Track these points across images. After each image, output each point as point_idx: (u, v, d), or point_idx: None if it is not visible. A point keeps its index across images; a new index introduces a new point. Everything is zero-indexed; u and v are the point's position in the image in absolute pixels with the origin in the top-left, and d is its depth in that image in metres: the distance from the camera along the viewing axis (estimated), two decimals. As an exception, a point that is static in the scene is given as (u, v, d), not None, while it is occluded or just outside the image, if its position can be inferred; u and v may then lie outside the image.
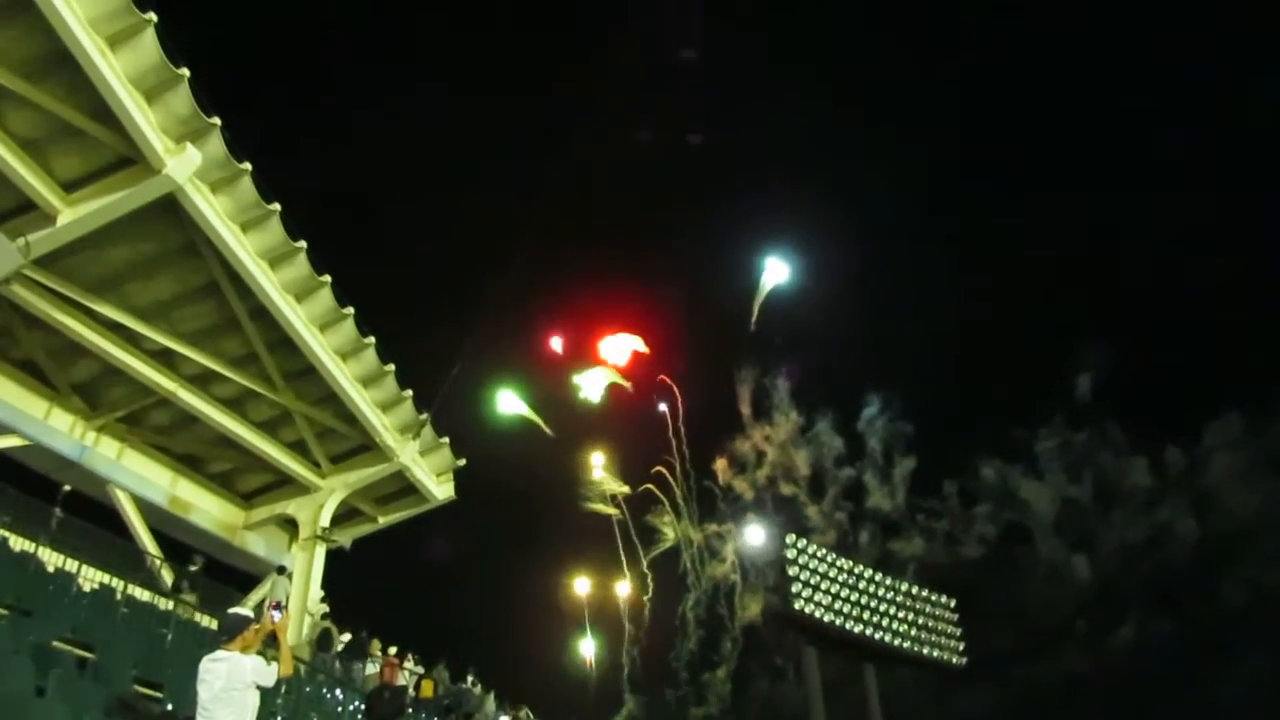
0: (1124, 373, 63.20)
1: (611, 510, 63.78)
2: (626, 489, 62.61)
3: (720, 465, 68.57)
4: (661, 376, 66.70)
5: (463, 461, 23.63)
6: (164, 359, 19.26)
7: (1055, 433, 65.25)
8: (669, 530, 62.27)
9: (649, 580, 60.92)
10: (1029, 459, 66.05)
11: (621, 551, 63.60)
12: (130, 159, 15.01)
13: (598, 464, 62.65)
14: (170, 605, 14.69)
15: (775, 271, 55.18)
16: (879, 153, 73.77)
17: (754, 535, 56.32)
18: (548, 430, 61.64)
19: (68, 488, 18.79)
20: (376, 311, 20.81)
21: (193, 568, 18.56)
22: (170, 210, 16.09)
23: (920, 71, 72.11)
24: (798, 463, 68.40)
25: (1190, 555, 60.39)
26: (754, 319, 65.35)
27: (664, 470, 65.75)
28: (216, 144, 15.63)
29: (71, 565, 14.85)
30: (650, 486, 65.44)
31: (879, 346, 70.08)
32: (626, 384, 64.18)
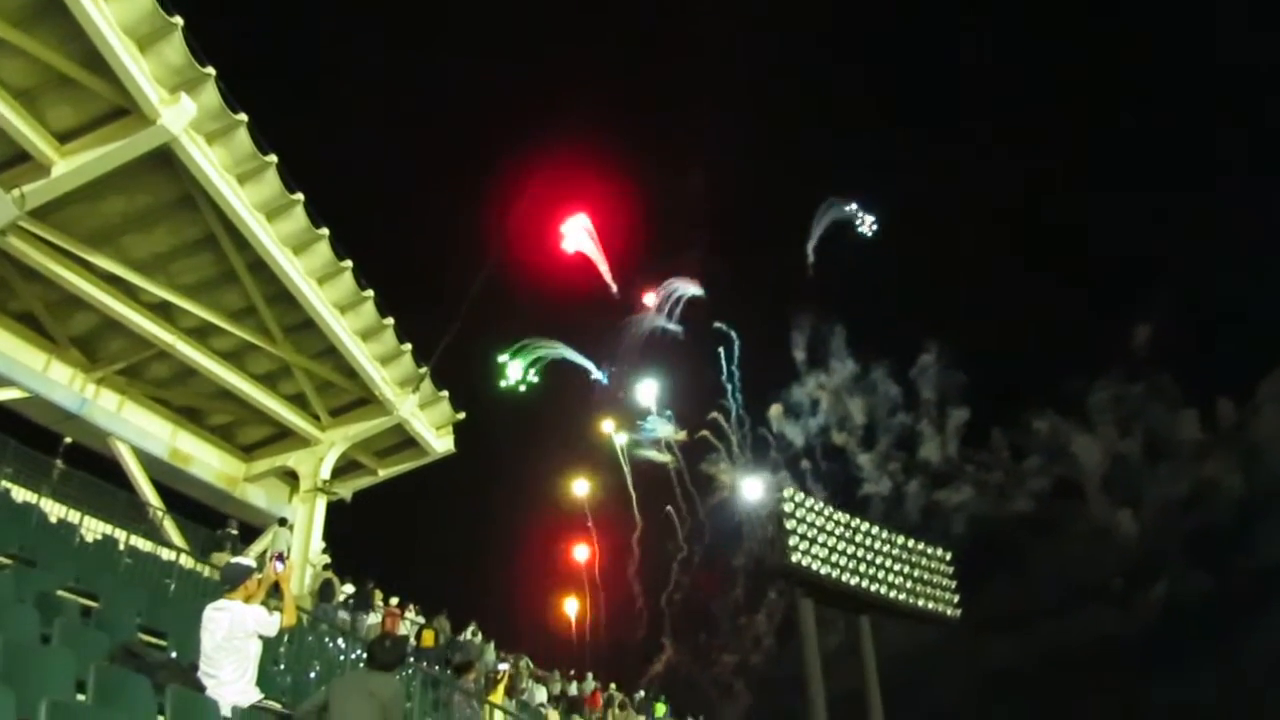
0: (1183, 324, 62.79)
1: (665, 457, 63.96)
2: (683, 435, 62.50)
3: (774, 412, 68.64)
4: (717, 323, 66.39)
5: (462, 415, 23.72)
6: (162, 312, 19.23)
7: (1111, 384, 64.70)
8: (725, 477, 62.37)
9: (705, 528, 61.26)
10: (1082, 411, 65.65)
11: (679, 498, 63.77)
12: (124, 109, 14.84)
13: (650, 411, 62.47)
14: (174, 556, 14.82)
15: (850, 217, 54.90)
16: (941, 99, 72.87)
17: (752, 489, 56.86)
18: (599, 375, 61.31)
19: (69, 440, 18.90)
20: (376, 265, 20.80)
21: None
22: (166, 162, 15.96)
23: (998, 17, 70.75)
24: (851, 411, 68.41)
25: (1234, 510, 60.35)
26: (810, 262, 64.76)
27: (719, 415, 65.74)
28: (211, 94, 15.46)
29: (74, 516, 14.96)
30: (706, 433, 65.62)
31: (937, 293, 69.52)
32: (676, 328, 64.02)
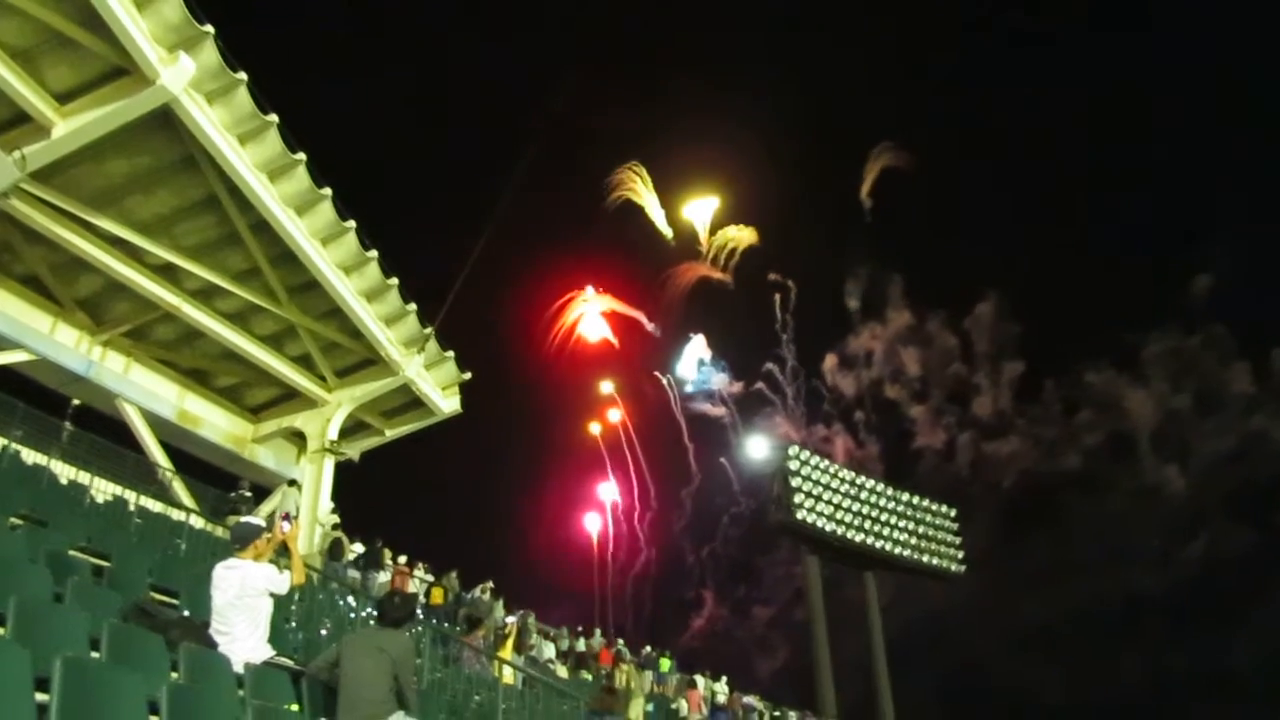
0: (1242, 274, 61.61)
1: (719, 410, 63.71)
2: (738, 385, 61.72)
3: (829, 364, 68.15)
4: (772, 275, 65.52)
5: (468, 375, 23.74)
6: (167, 273, 19.20)
7: (1166, 336, 63.55)
8: (779, 429, 61.93)
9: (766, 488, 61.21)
10: (1135, 364, 64.43)
11: (732, 439, 63.41)
12: (124, 69, 14.67)
13: (704, 362, 62.02)
14: (185, 516, 14.95)
15: (902, 163, 53.92)
16: (997, 40, 71.18)
17: (756, 447, 56.98)
18: (651, 327, 60.58)
19: (76, 402, 19.00)
20: (380, 225, 20.71)
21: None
22: (167, 122, 15.82)
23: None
24: (906, 363, 67.84)
25: (1281, 464, 59.51)
26: (867, 208, 63.64)
27: (774, 367, 65.29)
28: (211, 53, 15.26)
29: (84, 478, 15.08)
30: (761, 386, 65.30)
31: (996, 242, 68.17)
32: (725, 277, 63.24)
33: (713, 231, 63.15)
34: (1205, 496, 63.62)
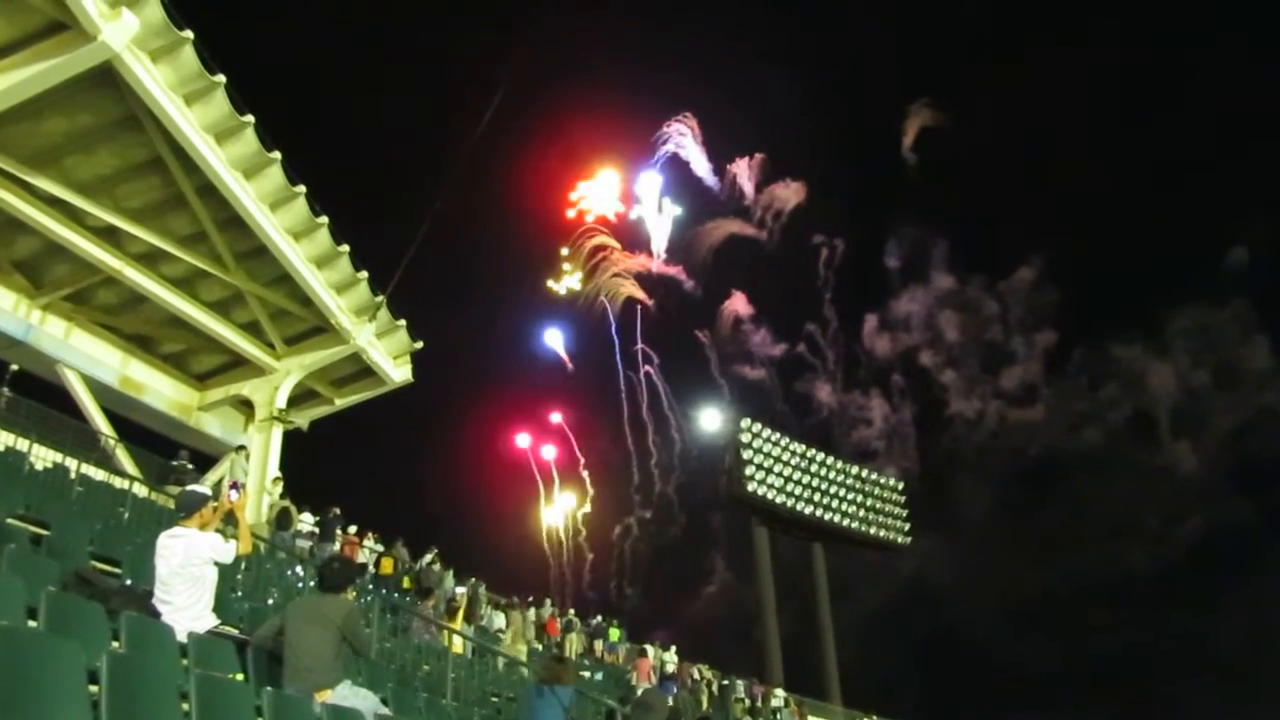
0: (1270, 249, 62.09)
1: (759, 372, 63.32)
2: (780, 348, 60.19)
3: (869, 326, 68.18)
4: (817, 236, 65.00)
5: (420, 344, 23.51)
6: (109, 236, 18.71)
7: (1195, 310, 64.10)
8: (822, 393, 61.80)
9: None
10: (1162, 337, 64.98)
11: (774, 404, 63.00)
12: (63, 24, 14.17)
13: (743, 322, 61.31)
14: (127, 484, 14.69)
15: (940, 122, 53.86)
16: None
17: (709, 420, 57.25)
18: (689, 282, 59.48)
19: (15, 367, 18.51)
20: (331, 190, 20.37)
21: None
22: (109, 80, 15.35)
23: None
24: (944, 328, 68.04)
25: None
26: (912, 164, 63.41)
27: (816, 328, 64.81)
28: (155, 9, 14.81)
29: (22, 445, 14.73)
30: (803, 348, 64.92)
31: (1039, 205, 68.10)
32: (760, 233, 62.79)
33: (759, 189, 63.15)
34: (1213, 473, 64.94)
